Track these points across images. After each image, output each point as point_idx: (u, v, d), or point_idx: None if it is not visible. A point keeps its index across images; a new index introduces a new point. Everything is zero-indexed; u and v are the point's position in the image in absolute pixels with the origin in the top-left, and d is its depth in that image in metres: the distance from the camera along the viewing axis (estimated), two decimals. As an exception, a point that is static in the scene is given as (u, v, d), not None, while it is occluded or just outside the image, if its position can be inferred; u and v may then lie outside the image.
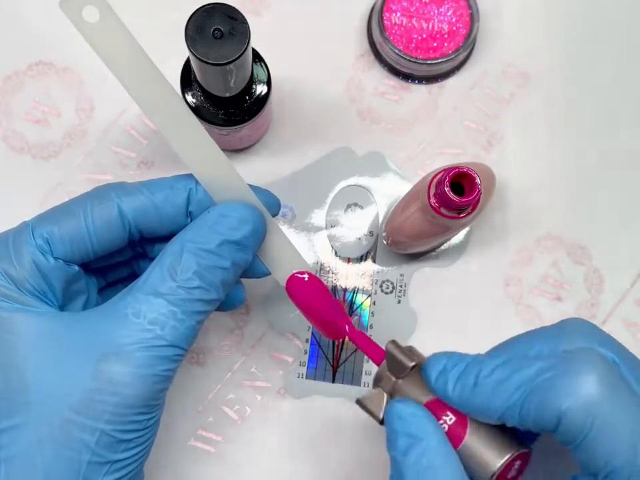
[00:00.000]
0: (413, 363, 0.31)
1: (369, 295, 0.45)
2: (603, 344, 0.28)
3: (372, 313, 0.44)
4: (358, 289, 0.45)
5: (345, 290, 0.45)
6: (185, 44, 0.34)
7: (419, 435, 0.28)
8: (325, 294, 0.34)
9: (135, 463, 0.30)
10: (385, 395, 0.31)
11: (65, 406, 0.28)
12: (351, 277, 0.45)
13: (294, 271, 0.34)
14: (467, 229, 0.45)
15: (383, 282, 0.45)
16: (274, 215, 0.34)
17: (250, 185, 0.33)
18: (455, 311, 0.45)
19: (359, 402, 0.31)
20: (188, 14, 0.34)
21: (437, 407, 0.29)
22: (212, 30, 0.34)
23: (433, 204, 0.37)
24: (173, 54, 0.40)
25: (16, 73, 0.46)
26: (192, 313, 0.30)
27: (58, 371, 0.29)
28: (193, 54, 0.34)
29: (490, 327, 0.45)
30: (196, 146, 0.32)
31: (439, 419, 0.29)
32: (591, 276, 0.45)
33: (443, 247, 0.45)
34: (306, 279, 0.34)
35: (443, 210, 0.36)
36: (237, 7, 0.35)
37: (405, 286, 0.45)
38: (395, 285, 0.45)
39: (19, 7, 0.46)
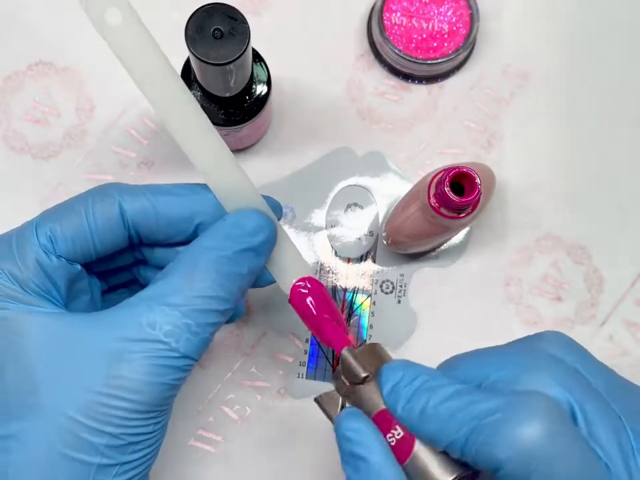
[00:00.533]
0: (366, 374, 0.30)
1: (369, 295, 0.45)
2: (564, 378, 0.27)
3: (372, 313, 0.44)
4: (358, 289, 0.45)
5: (345, 290, 0.45)
6: (185, 44, 0.34)
7: (364, 456, 0.28)
8: (327, 303, 0.34)
9: (143, 464, 0.30)
10: (340, 399, 0.31)
11: (75, 408, 0.28)
12: (350, 276, 0.45)
13: (296, 280, 0.34)
14: (466, 229, 0.45)
15: (383, 282, 0.45)
16: (280, 217, 0.35)
17: None
18: (455, 311, 0.45)
19: (316, 401, 0.31)
20: (188, 14, 0.35)
21: (388, 417, 0.29)
22: (212, 30, 0.34)
23: (432, 204, 0.37)
24: (173, 54, 0.39)
25: (16, 73, 0.46)
26: (206, 325, 0.30)
27: (68, 374, 0.29)
28: (193, 54, 0.34)
29: (490, 327, 0.45)
30: (210, 152, 0.32)
31: (388, 430, 0.29)
32: (591, 276, 0.45)
33: (443, 247, 0.45)
34: (309, 286, 0.33)
35: (442, 210, 0.36)
36: (237, 7, 0.35)
37: (405, 286, 0.45)
38: (395, 285, 0.45)
39: (19, 7, 0.46)
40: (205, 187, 0.32)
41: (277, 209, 0.35)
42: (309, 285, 0.33)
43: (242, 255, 0.31)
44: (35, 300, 0.30)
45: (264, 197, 0.34)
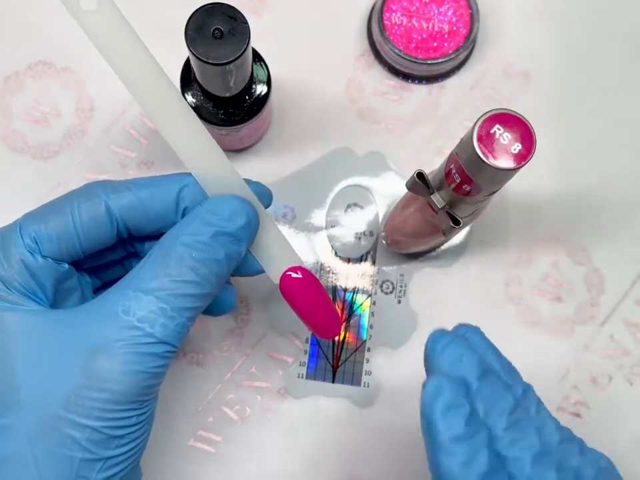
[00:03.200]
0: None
1: (369, 295, 0.45)
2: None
3: (372, 313, 0.44)
4: (358, 289, 0.45)
5: (345, 290, 0.45)
6: (185, 44, 0.34)
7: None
8: (318, 292, 0.34)
9: (129, 459, 0.30)
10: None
11: (55, 403, 0.28)
12: (351, 277, 0.45)
13: (287, 268, 0.34)
14: (467, 229, 0.45)
15: (383, 282, 0.45)
16: (266, 206, 0.34)
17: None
18: (455, 311, 0.45)
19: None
20: (188, 14, 0.34)
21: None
22: (212, 30, 0.34)
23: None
24: (173, 54, 0.40)
25: (16, 73, 0.46)
26: (182, 310, 0.30)
27: (48, 369, 0.29)
28: (193, 54, 0.34)
29: (490, 327, 0.44)
30: (191, 138, 0.32)
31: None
32: (591, 276, 0.45)
33: (443, 247, 0.45)
34: (299, 275, 0.33)
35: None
36: (236, 6, 0.35)
37: (405, 286, 0.45)
38: (395, 285, 0.45)
39: (19, 6, 0.46)
40: (188, 174, 0.32)
41: (264, 195, 0.34)
42: (299, 274, 0.33)
43: (218, 240, 0.30)
44: (19, 299, 0.30)
45: (253, 183, 0.34)
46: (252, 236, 0.32)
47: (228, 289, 0.35)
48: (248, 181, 0.34)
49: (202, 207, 0.31)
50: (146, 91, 0.30)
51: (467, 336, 0.31)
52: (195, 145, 0.32)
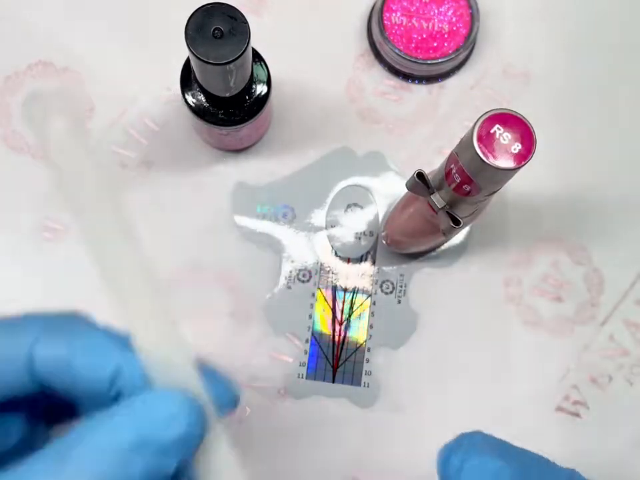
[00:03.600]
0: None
1: (369, 295, 0.45)
2: None
3: (372, 313, 0.44)
4: (358, 289, 0.45)
5: (345, 290, 0.45)
6: (185, 44, 0.34)
7: None
8: None
9: None
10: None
11: None
12: (351, 277, 0.45)
13: None
14: (466, 229, 0.45)
15: (383, 282, 0.45)
16: (227, 412, 0.26)
17: (207, 369, 0.26)
18: (455, 311, 0.45)
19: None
20: (188, 14, 0.34)
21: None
22: (212, 30, 0.34)
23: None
24: (173, 54, 0.40)
25: (16, 73, 0.46)
26: None
27: None
28: (193, 54, 0.34)
29: (490, 328, 0.45)
30: (141, 305, 0.24)
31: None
32: (591, 276, 0.45)
33: (443, 247, 0.45)
34: None
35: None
36: (236, 6, 0.35)
37: (405, 286, 0.45)
38: (395, 285, 0.45)
39: (19, 6, 0.46)
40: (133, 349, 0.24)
41: (229, 399, 0.26)
42: None
43: (139, 450, 0.22)
44: None
45: (218, 378, 0.26)
46: (187, 452, 0.24)
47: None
48: (214, 376, 0.26)
49: (130, 401, 0.23)
50: (96, 228, 0.24)
51: (476, 442, 0.27)
52: (145, 314, 0.24)
